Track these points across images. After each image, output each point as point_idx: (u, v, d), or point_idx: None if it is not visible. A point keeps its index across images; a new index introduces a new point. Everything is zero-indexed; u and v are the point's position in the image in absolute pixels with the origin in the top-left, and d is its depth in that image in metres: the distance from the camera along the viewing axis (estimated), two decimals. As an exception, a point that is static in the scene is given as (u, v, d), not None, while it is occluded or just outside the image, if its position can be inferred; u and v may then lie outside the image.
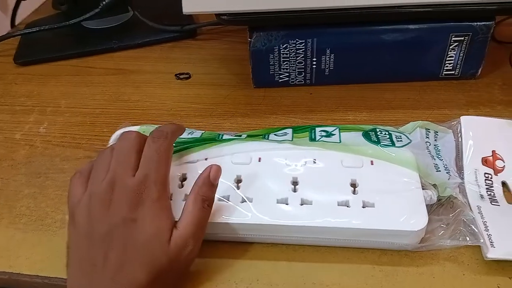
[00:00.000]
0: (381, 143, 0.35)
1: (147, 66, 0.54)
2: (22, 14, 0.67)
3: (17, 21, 0.67)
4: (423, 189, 0.33)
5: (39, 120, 0.47)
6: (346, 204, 0.32)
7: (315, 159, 0.34)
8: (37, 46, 0.59)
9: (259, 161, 0.35)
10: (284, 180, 0.33)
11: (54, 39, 0.60)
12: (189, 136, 0.38)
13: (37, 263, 0.33)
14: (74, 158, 0.42)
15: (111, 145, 0.33)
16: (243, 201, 0.33)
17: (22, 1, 0.65)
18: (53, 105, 0.49)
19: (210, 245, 0.33)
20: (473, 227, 0.32)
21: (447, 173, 0.35)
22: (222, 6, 0.42)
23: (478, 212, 0.33)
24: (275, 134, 0.38)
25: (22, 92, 0.52)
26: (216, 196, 0.33)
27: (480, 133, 0.38)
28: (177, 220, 0.30)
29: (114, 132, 0.39)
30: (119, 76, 0.53)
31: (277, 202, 0.32)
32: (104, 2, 0.56)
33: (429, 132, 0.38)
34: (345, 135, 0.36)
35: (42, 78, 0.54)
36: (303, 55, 0.46)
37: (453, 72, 0.47)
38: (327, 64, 0.46)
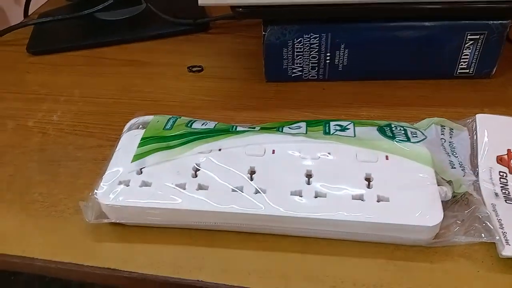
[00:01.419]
0: (396, 138, 0.35)
1: (159, 58, 0.54)
2: (35, 4, 0.68)
3: (30, 12, 0.67)
4: (438, 185, 0.32)
5: (52, 108, 0.47)
6: (360, 198, 0.32)
7: (329, 153, 0.34)
8: (50, 36, 0.59)
9: (273, 153, 0.35)
10: (298, 173, 0.33)
11: (67, 30, 0.60)
12: (203, 127, 0.38)
13: (50, 248, 0.33)
14: (87, 147, 0.42)
15: None
16: (257, 192, 0.32)
17: (36, -9, 0.65)
18: (66, 94, 0.49)
19: (223, 236, 0.33)
20: (488, 224, 0.32)
21: (462, 170, 0.35)
22: (238, -1, 0.42)
23: (493, 210, 0.33)
24: (289, 127, 0.37)
25: (35, 81, 0.52)
26: (230, 186, 0.33)
27: (495, 131, 0.38)
28: None
29: (128, 121, 0.39)
30: (132, 68, 0.53)
31: (291, 194, 0.32)
32: (117, -6, 0.57)
33: (445, 129, 0.38)
34: (359, 129, 0.36)
35: (55, 67, 0.54)
36: (317, 50, 0.45)
37: (467, 70, 0.46)
38: (341, 59, 0.46)
